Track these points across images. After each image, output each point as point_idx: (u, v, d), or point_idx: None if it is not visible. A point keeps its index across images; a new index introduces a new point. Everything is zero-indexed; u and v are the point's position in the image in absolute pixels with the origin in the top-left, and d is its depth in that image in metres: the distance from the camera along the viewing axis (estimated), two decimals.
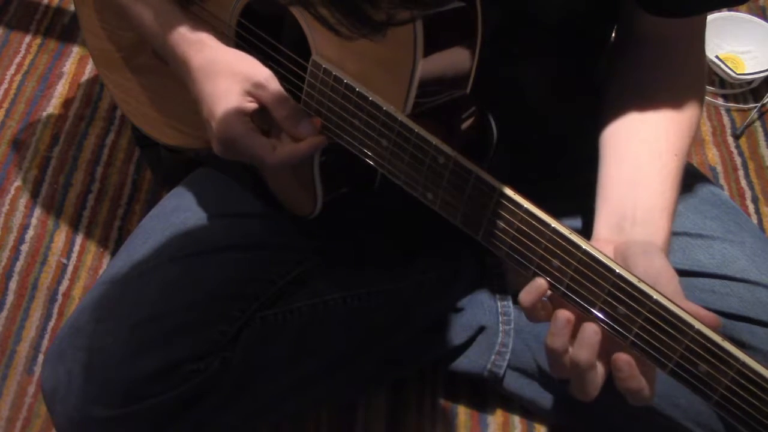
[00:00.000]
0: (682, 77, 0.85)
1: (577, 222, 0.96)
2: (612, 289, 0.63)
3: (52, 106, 1.48)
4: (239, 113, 0.80)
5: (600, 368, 0.66)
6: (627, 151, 0.81)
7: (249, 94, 0.80)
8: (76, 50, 1.57)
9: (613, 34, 0.96)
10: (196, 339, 0.85)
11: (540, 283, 0.67)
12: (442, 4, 0.69)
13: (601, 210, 0.78)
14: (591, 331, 0.65)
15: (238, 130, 0.80)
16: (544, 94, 0.92)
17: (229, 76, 0.80)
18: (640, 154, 0.80)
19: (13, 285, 1.25)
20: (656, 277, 0.66)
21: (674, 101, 0.82)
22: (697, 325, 0.60)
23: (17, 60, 1.55)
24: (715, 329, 0.60)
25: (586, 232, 0.97)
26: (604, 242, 0.73)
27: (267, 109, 0.80)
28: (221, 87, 0.80)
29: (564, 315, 0.66)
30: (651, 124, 0.82)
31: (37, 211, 1.33)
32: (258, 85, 0.79)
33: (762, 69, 1.46)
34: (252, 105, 0.80)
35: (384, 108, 0.73)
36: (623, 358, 0.64)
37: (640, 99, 0.83)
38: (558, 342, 0.66)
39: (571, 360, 0.66)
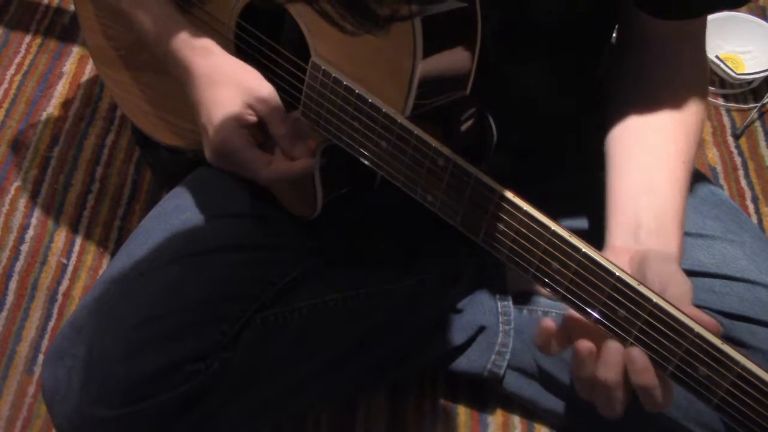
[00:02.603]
0: (685, 80, 0.85)
1: (578, 223, 0.96)
2: (611, 292, 0.63)
3: (52, 106, 1.48)
4: (238, 124, 0.80)
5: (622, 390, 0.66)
6: (635, 159, 0.81)
7: (250, 107, 0.80)
8: (76, 50, 1.57)
9: (614, 36, 0.95)
10: (197, 339, 0.85)
11: (546, 323, 0.67)
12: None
13: (612, 219, 0.78)
14: (614, 350, 0.64)
15: (235, 141, 0.80)
16: (544, 94, 0.91)
17: (232, 86, 0.80)
18: (649, 162, 0.80)
19: (13, 285, 1.25)
20: (666, 282, 0.65)
21: (679, 106, 0.82)
22: (697, 328, 0.60)
23: (17, 60, 1.55)
24: (715, 334, 0.60)
25: (587, 233, 0.97)
26: (619, 251, 0.72)
27: (266, 124, 0.81)
28: (223, 96, 0.80)
29: (585, 347, 0.65)
30: (658, 131, 0.82)
31: (37, 211, 1.33)
32: (260, 100, 0.80)
33: (762, 69, 1.46)
34: (251, 118, 0.80)
35: (383, 110, 0.73)
36: (638, 351, 0.63)
37: (644, 104, 0.83)
38: (586, 372, 0.66)
39: (599, 381, 0.65)
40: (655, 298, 0.61)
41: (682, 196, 0.78)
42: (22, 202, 1.34)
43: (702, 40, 0.88)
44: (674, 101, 0.83)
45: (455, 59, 0.75)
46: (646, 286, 0.62)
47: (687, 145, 0.81)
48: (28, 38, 1.59)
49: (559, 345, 0.68)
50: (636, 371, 0.64)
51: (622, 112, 0.84)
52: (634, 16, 0.85)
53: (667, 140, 0.81)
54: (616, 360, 0.64)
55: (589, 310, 0.64)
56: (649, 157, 0.80)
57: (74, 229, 1.31)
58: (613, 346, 0.65)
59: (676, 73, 0.85)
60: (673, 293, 0.63)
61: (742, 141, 1.43)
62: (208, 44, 0.83)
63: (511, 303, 1.06)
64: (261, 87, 0.80)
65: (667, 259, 0.70)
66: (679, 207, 0.77)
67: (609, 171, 0.82)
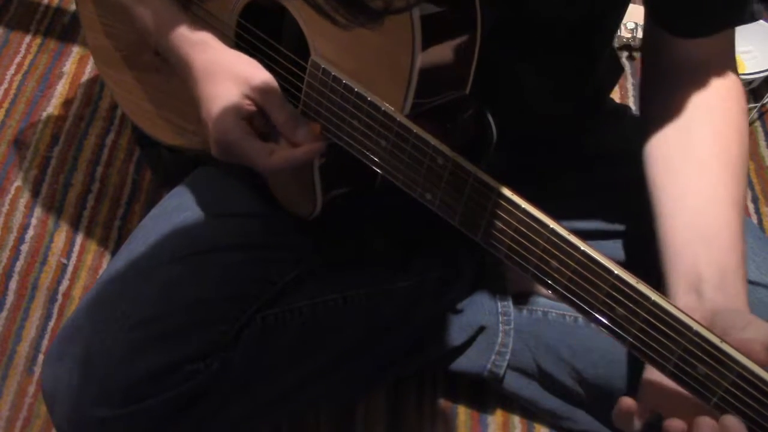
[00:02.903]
0: (724, 109, 0.82)
1: (577, 223, 0.96)
2: (610, 290, 0.62)
3: (52, 106, 1.48)
4: (237, 115, 0.79)
5: None
6: (686, 207, 0.78)
7: (248, 97, 0.80)
8: (76, 50, 1.57)
9: (616, 43, 0.95)
10: (196, 339, 0.85)
11: (625, 403, 0.65)
12: None
13: (671, 275, 0.75)
14: (707, 427, 0.61)
15: (235, 132, 0.80)
16: (543, 94, 0.91)
17: (229, 77, 0.80)
18: (702, 210, 0.77)
19: (13, 285, 1.25)
20: (743, 327, 0.64)
21: (722, 142, 0.80)
22: (696, 326, 0.60)
23: (17, 60, 1.55)
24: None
25: (586, 232, 0.97)
26: (684, 309, 0.68)
27: (265, 113, 0.80)
28: (220, 88, 0.80)
29: (677, 426, 0.63)
30: (705, 174, 0.79)
31: (37, 211, 1.33)
32: (257, 89, 0.79)
33: (762, 69, 1.46)
34: (250, 108, 0.80)
35: (383, 108, 0.73)
36: (732, 418, 0.61)
37: (687, 143, 0.81)
38: None
39: None
40: (654, 296, 0.61)
41: (741, 241, 0.75)
42: (22, 202, 1.34)
43: (732, 63, 0.86)
44: (716, 138, 0.80)
45: (454, 57, 0.75)
46: (645, 284, 0.62)
47: (736, 185, 0.79)
48: (28, 38, 1.60)
49: (640, 419, 0.66)
50: None
51: (663, 153, 0.82)
52: (659, 40, 0.84)
53: (716, 184, 0.78)
54: None
55: (588, 309, 0.64)
56: (699, 206, 0.77)
57: (74, 229, 1.31)
58: (705, 423, 0.62)
59: (712, 106, 0.83)
60: (747, 337, 0.62)
61: None
62: (206, 38, 0.83)
63: (511, 303, 1.06)
64: (257, 75, 0.80)
65: (737, 310, 0.68)
66: (741, 254, 0.74)
67: (657, 218, 0.79)
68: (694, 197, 0.78)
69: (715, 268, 0.72)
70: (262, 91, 0.79)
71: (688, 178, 0.80)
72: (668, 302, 0.61)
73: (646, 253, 0.80)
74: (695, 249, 0.74)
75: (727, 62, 0.85)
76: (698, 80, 0.83)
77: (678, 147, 0.82)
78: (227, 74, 0.80)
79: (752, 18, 0.83)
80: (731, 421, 0.60)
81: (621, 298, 0.62)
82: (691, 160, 0.80)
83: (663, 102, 0.85)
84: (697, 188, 0.79)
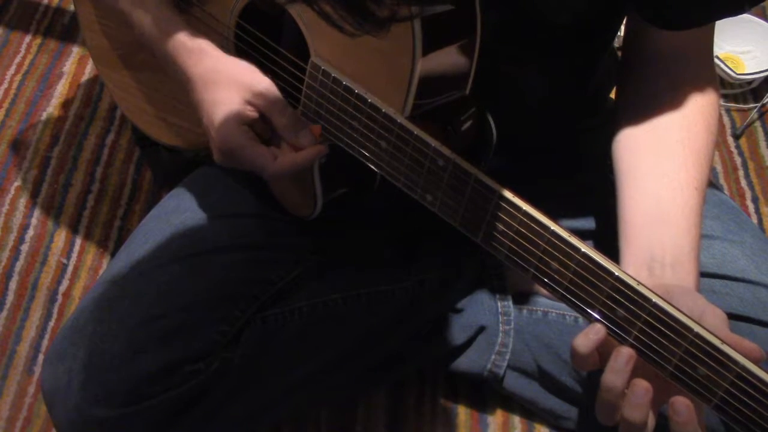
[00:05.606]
0: (695, 99, 0.83)
1: (577, 223, 0.96)
2: (611, 292, 0.63)
3: (52, 106, 1.48)
4: (239, 122, 0.80)
5: (650, 419, 0.65)
6: (647, 188, 0.79)
7: (249, 102, 0.80)
8: (76, 50, 1.57)
9: (616, 47, 0.95)
10: (196, 339, 0.85)
11: (598, 328, 0.65)
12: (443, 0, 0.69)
13: (625, 252, 0.76)
14: (642, 390, 0.63)
15: (238, 139, 0.80)
16: (542, 95, 0.91)
17: (229, 84, 0.80)
18: (661, 191, 0.78)
19: (13, 285, 1.25)
20: (701, 313, 0.65)
21: (690, 129, 0.81)
22: (696, 328, 0.60)
23: (17, 60, 1.55)
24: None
25: (586, 233, 0.97)
26: None
27: (267, 117, 0.80)
28: (221, 96, 0.80)
29: (643, 385, 0.64)
30: (669, 157, 0.80)
31: (37, 211, 1.33)
32: (258, 94, 0.79)
33: (762, 69, 1.46)
34: (252, 114, 0.80)
35: (383, 110, 0.73)
36: (682, 402, 0.62)
37: (655, 127, 0.82)
38: (639, 413, 0.64)
39: (625, 420, 0.64)
40: (655, 298, 0.61)
41: (697, 225, 0.76)
42: (22, 202, 1.34)
43: (709, 56, 0.86)
44: (686, 127, 0.81)
45: (454, 59, 0.75)
46: (646, 287, 0.62)
47: (699, 172, 0.79)
48: (28, 38, 1.59)
49: (594, 359, 0.67)
50: (680, 423, 0.62)
51: (631, 137, 0.83)
52: (639, 29, 0.84)
53: (679, 168, 0.79)
54: (644, 400, 0.63)
55: (588, 310, 0.64)
56: (660, 186, 0.78)
57: (74, 229, 1.31)
58: (640, 386, 0.63)
59: (685, 94, 0.83)
60: (710, 323, 0.63)
61: (742, 141, 1.43)
62: (203, 45, 0.83)
63: (511, 303, 1.06)
64: (257, 81, 0.80)
65: (691, 292, 0.69)
66: (695, 237, 0.75)
67: (619, 201, 0.80)
68: (655, 180, 0.79)
69: (668, 249, 0.74)
70: (264, 96, 0.79)
71: (651, 162, 0.80)
72: (669, 304, 0.61)
73: None
74: (651, 229, 0.76)
75: (704, 54, 0.86)
76: (674, 71, 0.84)
77: (645, 133, 0.82)
78: (227, 81, 0.80)
79: (740, 11, 0.83)
80: (680, 400, 0.62)
81: (621, 299, 0.62)
82: (656, 145, 0.81)
83: (637, 90, 0.86)
84: (659, 172, 0.79)
